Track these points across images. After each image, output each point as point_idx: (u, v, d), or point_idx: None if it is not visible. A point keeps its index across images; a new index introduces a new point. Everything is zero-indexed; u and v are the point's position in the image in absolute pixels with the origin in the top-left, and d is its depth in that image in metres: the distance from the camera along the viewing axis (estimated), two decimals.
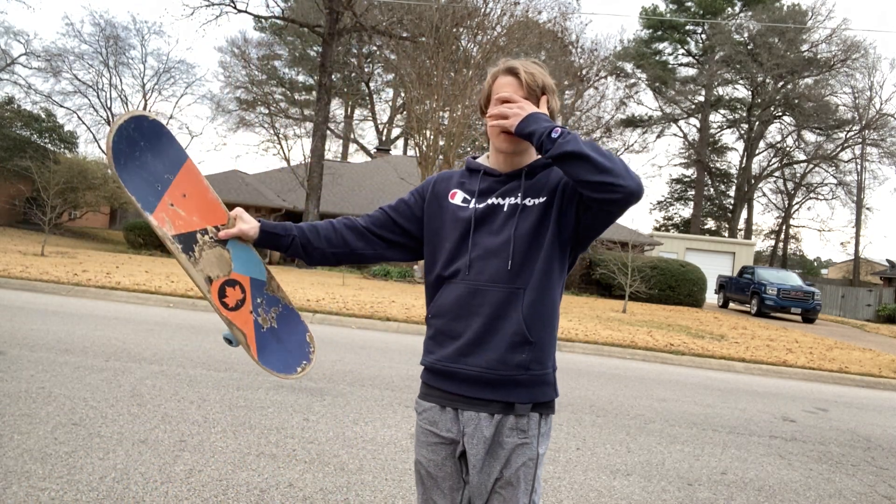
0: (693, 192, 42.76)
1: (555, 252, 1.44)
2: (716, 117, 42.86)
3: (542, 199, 1.47)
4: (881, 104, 37.26)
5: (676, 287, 19.43)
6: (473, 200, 1.51)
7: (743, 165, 40.76)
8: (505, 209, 1.47)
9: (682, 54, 43.35)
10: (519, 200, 1.47)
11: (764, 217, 61.95)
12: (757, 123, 39.06)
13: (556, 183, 1.48)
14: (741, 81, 40.60)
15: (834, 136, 37.95)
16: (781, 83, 37.78)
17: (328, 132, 26.07)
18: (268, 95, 32.78)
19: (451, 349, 1.43)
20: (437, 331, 1.48)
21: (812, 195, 41.15)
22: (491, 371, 1.39)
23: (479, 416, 1.41)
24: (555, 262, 1.44)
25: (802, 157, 39.70)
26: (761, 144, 40.50)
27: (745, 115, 40.83)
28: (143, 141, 1.40)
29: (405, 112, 34.50)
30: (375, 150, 35.70)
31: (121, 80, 43.10)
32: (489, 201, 1.49)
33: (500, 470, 1.40)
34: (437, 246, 1.52)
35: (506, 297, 1.40)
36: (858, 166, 37.49)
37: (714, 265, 26.84)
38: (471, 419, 1.41)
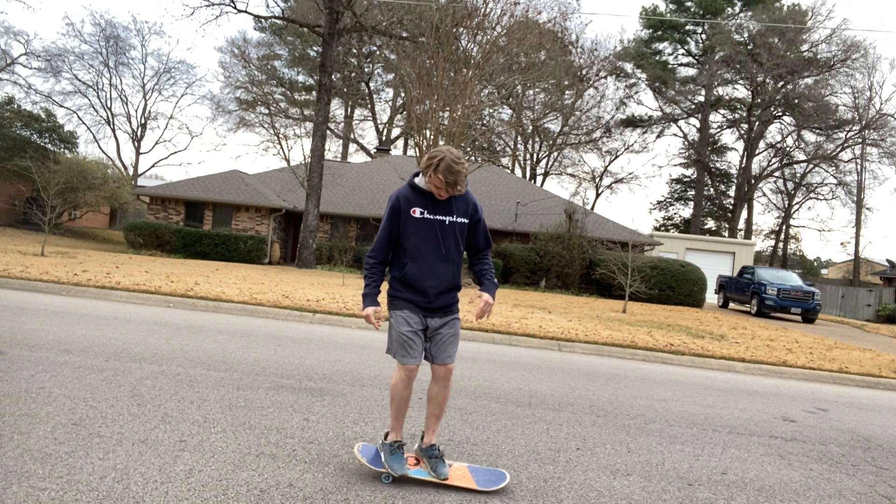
0: (693, 192, 42.76)
1: (461, 245, 3.01)
2: (716, 117, 42.90)
3: (465, 220, 2.98)
4: (881, 104, 37.31)
5: (676, 287, 19.41)
6: (426, 213, 2.91)
7: (743, 165, 40.77)
8: (447, 222, 2.94)
9: (682, 54, 43.38)
10: (453, 217, 2.94)
11: (764, 217, 62.03)
12: (757, 123, 39.06)
13: (471, 215, 3.01)
14: (741, 81, 40.61)
15: (834, 136, 37.96)
16: (781, 83, 37.77)
17: (328, 132, 26.05)
18: (268, 95, 32.83)
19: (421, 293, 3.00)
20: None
21: (812, 195, 41.19)
22: (442, 299, 3.00)
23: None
24: (461, 250, 3.02)
25: (802, 157, 39.74)
26: (761, 144, 40.51)
27: (745, 115, 40.82)
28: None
29: (405, 112, 34.51)
30: (375, 150, 35.69)
31: (121, 80, 43.23)
32: (437, 217, 2.92)
33: (449, 330, 3.02)
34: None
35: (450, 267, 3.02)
36: (858, 166, 37.53)
37: (714, 265, 26.85)
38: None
